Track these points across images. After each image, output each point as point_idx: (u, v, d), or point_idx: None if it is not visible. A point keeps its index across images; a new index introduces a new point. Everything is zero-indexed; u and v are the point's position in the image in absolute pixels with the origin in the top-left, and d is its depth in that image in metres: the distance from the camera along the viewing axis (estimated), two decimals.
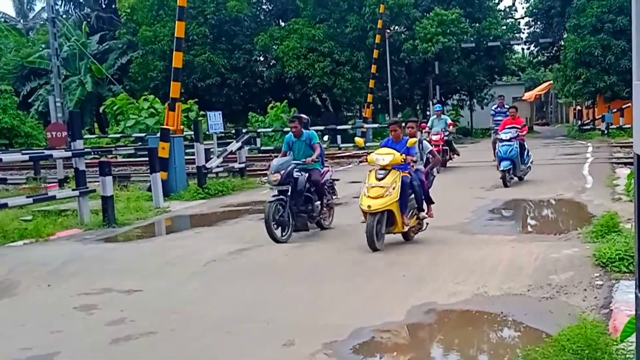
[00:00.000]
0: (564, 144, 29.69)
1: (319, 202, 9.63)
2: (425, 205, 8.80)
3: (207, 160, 16.25)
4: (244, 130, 21.25)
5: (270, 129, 32.59)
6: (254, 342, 5.32)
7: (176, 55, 15.93)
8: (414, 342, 5.40)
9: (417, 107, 44.52)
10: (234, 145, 18.16)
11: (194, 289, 7.09)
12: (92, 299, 6.81)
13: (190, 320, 5.97)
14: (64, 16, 45.47)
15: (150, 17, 38.95)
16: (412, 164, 8.47)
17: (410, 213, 8.41)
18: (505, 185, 13.88)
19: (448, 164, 18.75)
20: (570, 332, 4.53)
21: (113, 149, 25.08)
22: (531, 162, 15.48)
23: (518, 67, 47.25)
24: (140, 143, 27.52)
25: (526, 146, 15.32)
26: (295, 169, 9.30)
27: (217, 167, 16.99)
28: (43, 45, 41.10)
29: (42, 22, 46.40)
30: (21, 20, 54.06)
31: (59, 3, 46.37)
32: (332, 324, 5.61)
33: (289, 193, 9.07)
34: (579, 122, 38.95)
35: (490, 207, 11.57)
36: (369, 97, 33.93)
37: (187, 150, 16.85)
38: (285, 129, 32.06)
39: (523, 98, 53.84)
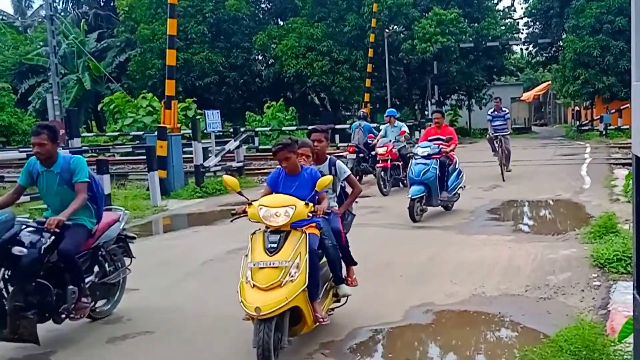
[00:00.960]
0: (562, 144, 29.70)
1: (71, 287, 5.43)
2: (344, 270, 5.77)
3: (205, 159, 16.26)
4: (242, 129, 21.24)
5: (268, 128, 32.58)
6: (251, 342, 5.30)
7: (169, 53, 15.91)
8: (412, 342, 5.39)
9: (416, 107, 44.51)
10: (232, 144, 18.16)
11: (191, 288, 7.08)
12: None
13: (188, 319, 5.96)
14: (62, 14, 45.40)
15: (149, 15, 38.90)
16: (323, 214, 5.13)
17: (323, 292, 5.27)
18: (414, 221, 10.18)
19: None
20: (567, 333, 4.53)
21: (111, 147, 25.05)
22: (462, 187, 11.59)
23: (516, 68, 47.23)
24: (138, 141, 27.47)
25: (457, 166, 11.67)
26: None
27: (215, 165, 16.98)
28: (41, 43, 41.04)
29: (40, 20, 46.27)
30: (19, 18, 53.97)
31: (57, 1, 46.25)
32: (329, 324, 5.59)
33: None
34: (578, 123, 38.95)
35: (488, 208, 11.57)
36: (366, 97, 33.93)
37: (185, 149, 16.83)
38: (284, 128, 32.14)
39: (521, 98, 53.87)
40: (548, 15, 38.25)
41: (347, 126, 33.96)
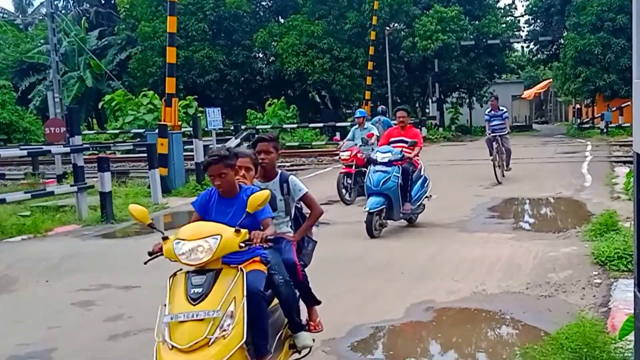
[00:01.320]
0: (563, 142, 29.70)
1: None
2: (305, 313, 4.76)
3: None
4: (242, 127, 21.24)
5: (269, 126, 32.57)
6: None
7: (170, 51, 15.91)
8: (413, 339, 5.39)
9: (417, 105, 44.48)
10: (232, 142, 18.17)
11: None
12: (90, 295, 6.81)
13: None
14: (63, 12, 45.39)
15: (149, 13, 38.88)
16: (264, 243, 3.89)
17: (276, 345, 4.14)
18: (372, 237, 8.85)
19: None
20: (568, 331, 4.53)
21: (112, 144, 25.11)
22: (428, 197, 10.04)
23: (517, 65, 47.18)
24: (138, 139, 27.49)
25: (422, 172, 10.04)
26: None
27: None
28: (42, 41, 41.06)
29: (41, 18, 46.34)
30: (20, 16, 53.99)
31: None
32: (330, 322, 5.58)
33: None
34: (578, 121, 38.94)
35: (489, 205, 11.57)
36: (367, 94, 33.91)
37: (186, 147, 16.83)
38: (285, 126, 32.15)
39: (522, 96, 53.85)
40: (549, 13, 38.21)
41: (348, 124, 34.03)
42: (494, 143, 15.08)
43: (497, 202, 11.99)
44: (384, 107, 19.96)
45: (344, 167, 12.52)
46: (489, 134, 15.49)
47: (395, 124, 10.84)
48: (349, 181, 12.39)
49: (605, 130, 31.85)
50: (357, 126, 13.25)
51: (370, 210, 8.80)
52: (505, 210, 11.34)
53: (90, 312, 6.27)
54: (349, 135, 13.35)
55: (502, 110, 15.57)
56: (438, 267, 7.22)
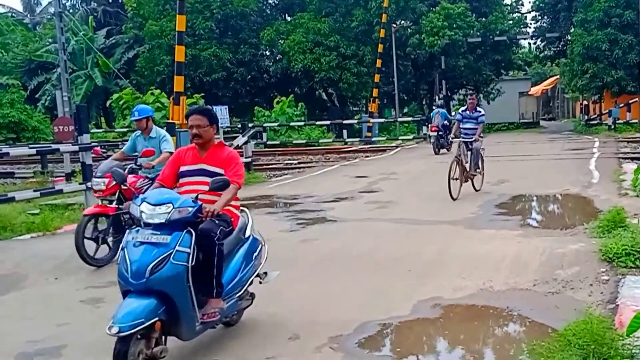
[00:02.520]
0: (571, 138, 29.62)
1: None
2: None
3: None
4: (250, 125, 21.26)
5: (276, 124, 32.63)
6: (260, 335, 5.34)
7: (178, 49, 15.95)
8: (420, 336, 5.40)
9: (423, 102, 44.45)
10: (240, 140, 18.18)
11: None
12: (98, 293, 6.84)
13: None
14: (71, 11, 45.59)
15: (157, 12, 39.02)
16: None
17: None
18: None
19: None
20: (576, 327, 4.52)
21: (120, 143, 25.12)
22: (263, 277, 5.70)
23: (525, 62, 47.14)
24: None
25: (246, 233, 5.57)
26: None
27: None
28: (50, 40, 41.26)
29: (49, 17, 46.54)
30: (28, 15, 54.26)
31: None
32: (337, 318, 5.62)
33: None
34: (586, 117, 38.87)
35: (497, 202, 11.55)
36: (375, 92, 33.91)
37: None
38: (292, 124, 32.18)
39: (529, 93, 53.74)
40: (556, 9, 38.14)
41: (355, 121, 34.05)
42: (459, 148, 12.26)
43: (504, 199, 11.97)
44: (442, 101, 25.41)
45: (95, 205, 8.32)
46: (453, 138, 13.20)
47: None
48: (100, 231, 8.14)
49: (612, 127, 31.78)
50: (139, 133, 8.69)
51: (123, 333, 4.21)
52: (513, 207, 11.31)
53: (99, 309, 6.29)
54: (126, 147, 8.91)
55: (479, 112, 12.71)
56: (445, 264, 7.22)
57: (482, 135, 12.83)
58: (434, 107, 29.02)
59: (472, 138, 12.43)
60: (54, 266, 7.98)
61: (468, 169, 12.17)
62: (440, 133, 23.08)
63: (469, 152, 12.28)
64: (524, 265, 6.93)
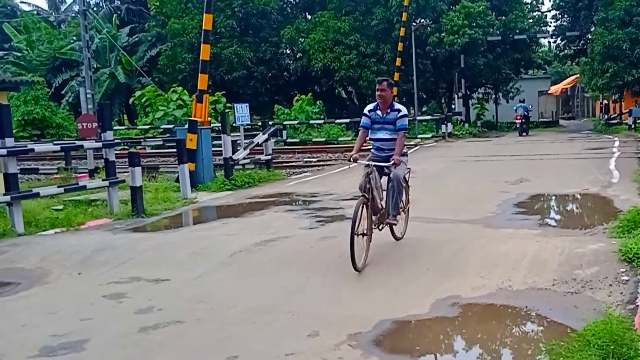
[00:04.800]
0: (590, 138, 29.37)
1: None
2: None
3: (233, 152, 16.38)
4: (270, 123, 21.37)
5: (296, 122, 32.69)
6: (279, 332, 5.40)
7: (204, 48, 16.05)
8: (438, 334, 5.43)
9: (442, 101, 44.28)
10: (260, 137, 18.28)
11: (220, 279, 7.19)
12: (121, 288, 6.95)
13: (217, 310, 6.07)
14: (95, 9, 46.09)
15: (179, 10, 39.27)
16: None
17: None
18: None
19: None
20: (595, 328, 4.53)
21: (142, 140, 25.34)
22: None
23: (544, 61, 46.76)
24: (168, 134, 27.81)
25: None
26: None
27: (244, 158, 17.11)
28: (74, 38, 41.68)
29: (73, 15, 47.00)
30: (53, 13, 54.84)
31: None
32: (356, 316, 5.67)
33: None
34: (606, 116, 38.54)
35: (515, 201, 11.51)
36: (394, 90, 33.82)
37: (215, 142, 16.98)
38: (311, 122, 32.21)
39: (549, 92, 53.33)
40: (576, 8, 37.79)
41: None
42: (368, 178, 7.11)
43: (523, 198, 11.92)
44: (523, 98, 36.11)
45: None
46: (353, 160, 7.48)
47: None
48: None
49: (633, 126, 31.47)
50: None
51: None
52: (532, 207, 11.27)
53: (122, 305, 6.40)
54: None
55: (398, 110, 7.52)
56: (463, 263, 7.23)
57: (405, 152, 7.74)
58: (519, 102, 35.63)
59: (388, 156, 7.42)
60: (77, 261, 8.11)
61: (382, 211, 7.47)
62: (522, 121, 33.46)
63: (388, 185, 7.55)
64: (543, 265, 6.92)
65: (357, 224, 6.71)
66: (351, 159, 7.43)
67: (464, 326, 5.53)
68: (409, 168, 7.92)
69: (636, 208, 8.55)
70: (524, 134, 33.29)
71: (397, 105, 7.61)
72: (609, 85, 34.39)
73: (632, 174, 13.97)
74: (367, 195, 7.00)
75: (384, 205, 7.46)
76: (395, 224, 7.74)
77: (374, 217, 7.28)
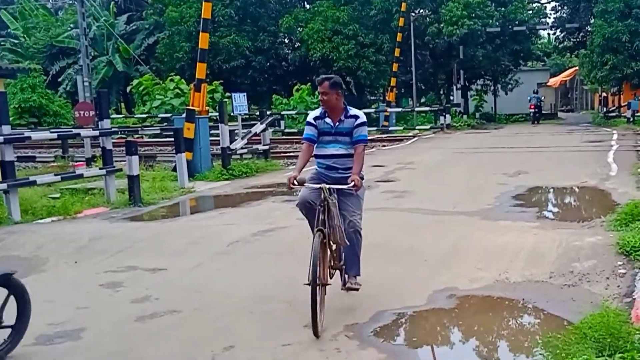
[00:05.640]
0: (589, 131, 29.38)
1: None
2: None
3: (231, 141, 16.36)
4: (268, 112, 21.32)
5: (294, 112, 32.63)
6: (276, 322, 5.39)
7: (202, 37, 15.99)
8: (435, 326, 5.44)
9: (441, 92, 44.22)
10: (258, 127, 18.24)
11: (217, 268, 7.19)
12: (118, 277, 6.94)
13: (214, 299, 6.06)
14: None
15: None
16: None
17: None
18: None
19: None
20: (592, 320, 4.53)
21: (139, 128, 25.34)
22: None
23: (543, 53, 46.66)
24: (166, 123, 27.73)
25: None
26: None
27: (242, 148, 17.09)
28: (72, 25, 41.50)
29: (70, 2, 46.76)
30: (50, 0, 54.52)
31: None
32: (353, 307, 5.67)
33: None
34: (604, 109, 38.51)
35: (513, 194, 11.52)
36: (392, 81, 33.78)
37: (212, 132, 16.95)
38: (309, 111, 32.17)
39: (548, 84, 53.24)
40: (576, 0, 37.68)
41: (372, 110, 33.96)
42: (325, 207, 5.38)
43: (521, 190, 11.93)
44: (537, 90, 39.41)
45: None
46: (294, 185, 5.46)
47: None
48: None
49: (631, 119, 31.44)
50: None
51: None
52: (530, 199, 11.28)
53: (118, 294, 6.39)
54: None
55: (355, 116, 5.77)
56: (461, 255, 7.24)
57: (362, 174, 5.70)
58: (533, 93, 39.26)
59: (343, 178, 5.63)
60: (74, 250, 8.10)
61: (341, 264, 5.81)
62: (535, 110, 37.89)
63: (342, 215, 5.58)
64: (541, 258, 6.93)
65: (318, 269, 5.04)
66: (293, 182, 5.38)
67: (461, 318, 5.53)
68: (360, 196, 5.87)
69: (634, 201, 8.57)
70: (536, 122, 37.42)
71: (353, 111, 5.78)
72: (608, 78, 34.34)
73: (630, 167, 13.99)
74: (324, 230, 5.30)
75: (336, 238, 5.47)
76: (357, 289, 5.73)
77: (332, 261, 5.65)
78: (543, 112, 47.89)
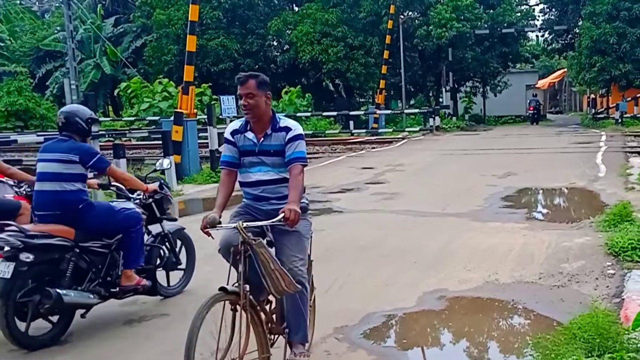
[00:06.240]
0: (578, 132, 29.52)
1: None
2: None
3: (220, 144, 16.30)
4: None
5: (283, 114, 32.55)
6: None
7: (190, 39, 15.95)
8: (425, 327, 5.42)
9: (430, 94, 44.33)
10: None
11: (207, 271, 7.12)
12: None
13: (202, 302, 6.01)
14: None
15: (165, 1, 38.95)
16: None
17: None
18: None
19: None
20: (581, 321, 4.53)
21: (127, 131, 25.09)
22: None
23: (532, 55, 46.88)
24: (154, 126, 27.62)
25: None
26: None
27: None
28: (58, 28, 41.29)
29: (57, 5, 46.52)
30: (36, 3, 54.28)
31: None
32: (343, 309, 5.65)
33: None
34: (593, 111, 38.68)
35: (502, 195, 11.55)
36: (382, 83, 33.84)
37: (201, 134, 16.89)
38: (299, 114, 32.18)
39: (537, 86, 53.50)
40: (564, 2, 37.88)
41: (362, 113, 33.98)
42: (246, 259, 4.04)
43: (511, 191, 11.96)
44: (536, 93, 41.70)
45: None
46: (207, 227, 4.25)
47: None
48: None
49: (620, 121, 31.60)
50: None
51: None
52: (519, 200, 11.31)
53: None
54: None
55: (287, 128, 4.28)
56: (451, 256, 7.24)
57: (306, 205, 4.48)
58: (532, 95, 42.60)
59: (278, 210, 4.04)
60: None
61: (283, 328, 4.38)
62: (534, 111, 39.97)
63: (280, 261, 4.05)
64: (530, 258, 6.94)
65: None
66: (205, 226, 4.23)
67: (450, 319, 5.52)
68: (311, 233, 4.54)
69: (622, 202, 8.61)
70: (535, 123, 39.45)
71: (285, 121, 4.33)
72: (596, 80, 34.49)
73: (618, 168, 14.05)
74: (239, 291, 3.95)
75: (272, 292, 4.06)
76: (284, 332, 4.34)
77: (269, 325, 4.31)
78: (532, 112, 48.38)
